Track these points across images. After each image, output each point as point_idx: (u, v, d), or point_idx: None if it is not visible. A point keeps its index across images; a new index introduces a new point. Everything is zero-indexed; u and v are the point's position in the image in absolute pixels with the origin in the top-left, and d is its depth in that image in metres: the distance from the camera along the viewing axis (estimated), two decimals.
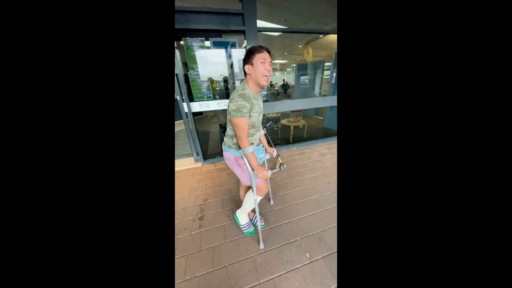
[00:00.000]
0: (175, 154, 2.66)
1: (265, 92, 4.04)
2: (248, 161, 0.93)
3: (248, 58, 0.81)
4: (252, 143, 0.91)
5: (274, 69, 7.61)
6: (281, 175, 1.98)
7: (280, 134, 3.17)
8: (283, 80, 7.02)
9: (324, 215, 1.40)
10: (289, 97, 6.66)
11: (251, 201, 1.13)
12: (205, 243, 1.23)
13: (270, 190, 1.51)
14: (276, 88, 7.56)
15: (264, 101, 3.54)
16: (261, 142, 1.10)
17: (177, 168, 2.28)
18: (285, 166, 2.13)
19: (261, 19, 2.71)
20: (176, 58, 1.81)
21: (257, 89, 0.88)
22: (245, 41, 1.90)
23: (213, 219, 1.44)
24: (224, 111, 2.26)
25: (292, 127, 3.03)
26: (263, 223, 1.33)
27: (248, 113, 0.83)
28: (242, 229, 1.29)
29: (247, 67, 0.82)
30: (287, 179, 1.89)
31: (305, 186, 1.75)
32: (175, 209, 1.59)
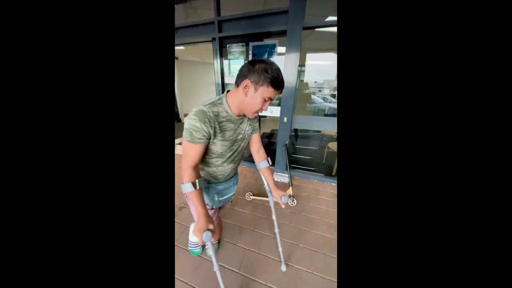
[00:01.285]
0: None
1: (332, 105, 3.21)
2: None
3: (256, 77, 0.54)
4: (198, 179, 0.61)
5: None
6: (285, 211, 1.51)
7: (325, 159, 2.43)
8: None
9: None
10: None
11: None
12: None
13: (281, 250, 1.02)
14: None
15: (326, 115, 2.90)
16: (233, 177, 0.82)
17: None
18: (295, 201, 1.63)
19: (331, 14, 2.21)
20: (218, 66, 1.99)
21: (239, 112, 0.64)
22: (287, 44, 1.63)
23: (186, 216, 1.44)
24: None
25: None
26: (216, 246, 1.11)
27: (203, 140, 0.58)
28: (189, 244, 1.17)
29: (247, 84, 0.56)
30: (285, 220, 1.41)
31: (301, 244, 1.21)
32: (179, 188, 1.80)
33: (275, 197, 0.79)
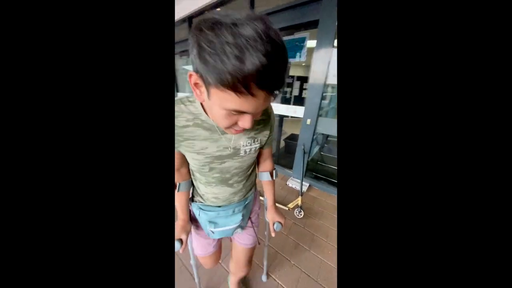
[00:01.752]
0: None
1: None
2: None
3: (203, 65, 0.23)
4: (181, 182, 0.51)
5: None
6: (286, 220, 1.39)
7: None
8: None
9: None
10: None
11: None
12: None
13: (265, 264, 0.94)
14: None
15: None
16: (237, 203, 0.57)
17: None
18: (302, 213, 1.47)
19: None
20: None
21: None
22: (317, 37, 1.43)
23: None
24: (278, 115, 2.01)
25: None
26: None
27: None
28: None
29: (196, 80, 0.28)
30: (284, 230, 1.29)
31: (292, 261, 1.08)
32: None
33: (268, 220, 0.65)
